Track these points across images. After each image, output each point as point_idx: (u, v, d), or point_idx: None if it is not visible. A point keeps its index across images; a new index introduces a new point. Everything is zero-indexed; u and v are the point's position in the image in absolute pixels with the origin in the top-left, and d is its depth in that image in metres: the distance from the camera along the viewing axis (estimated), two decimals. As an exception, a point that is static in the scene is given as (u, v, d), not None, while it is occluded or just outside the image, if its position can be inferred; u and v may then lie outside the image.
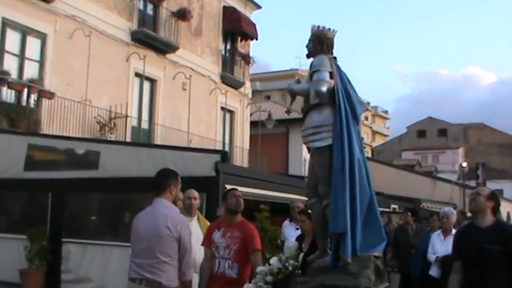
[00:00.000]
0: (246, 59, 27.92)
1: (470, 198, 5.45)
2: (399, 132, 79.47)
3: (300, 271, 5.24)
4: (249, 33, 27.31)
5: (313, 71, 5.01)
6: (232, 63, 27.11)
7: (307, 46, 5.29)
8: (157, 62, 21.75)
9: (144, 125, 21.36)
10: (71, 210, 13.05)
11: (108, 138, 17.44)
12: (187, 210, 6.82)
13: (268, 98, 51.99)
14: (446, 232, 9.16)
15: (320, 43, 5.17)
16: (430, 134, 74.65)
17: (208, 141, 23.37)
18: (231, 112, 27.42)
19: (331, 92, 4.97)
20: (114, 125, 18.64)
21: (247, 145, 28.22)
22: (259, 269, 5.31)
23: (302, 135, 5.21)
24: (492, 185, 51.89)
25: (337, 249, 4.91)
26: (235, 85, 27.10)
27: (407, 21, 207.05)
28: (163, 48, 21.80)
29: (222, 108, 26.37)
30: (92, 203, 13.40)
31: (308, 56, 5.29)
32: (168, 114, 22.33)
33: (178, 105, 23.03)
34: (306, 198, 12.09)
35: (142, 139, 20.47)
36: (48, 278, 12.40)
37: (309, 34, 5.27)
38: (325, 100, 4.97)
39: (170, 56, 22.40)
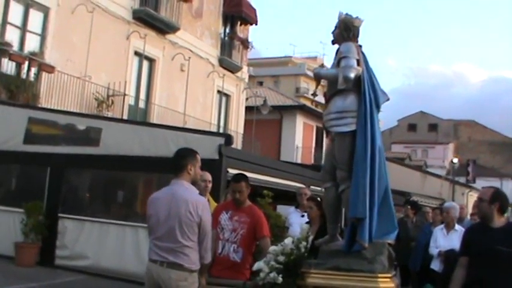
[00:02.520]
0: (245, 43, 27.86)
1: (474, 205, 5.53)
2: (388, 124, 79.67)
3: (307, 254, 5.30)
4: (248, 18, 27.25)
5: (341, 57, 5.07)
6: (230, 47, 27.00)
7: (333, 32, 5.36)
8: (157, 41, 21.66)
9: (141, 104, 21.32)
10: (69, 186, 12.97)
11: (106, 116, 17.40)
12: (201, 193, 6.79)
13: (260, 83, 51.86)
14: (449, 227, 9.21)
15: (347, 30, 5.24)
16: (421, 128, 74.91)
17: (203, 123, 23.31)
18: (227, 96, 27.40)
19: (357, 79, 5.02)
20: (112, 102, 18.59)
21: (241, 130, 28.22)
22: (272, 248, 5.36)
23: (325, 119, 5.26)
24: (481, 183, 52.11)
25: (352, 234, 4.98)
26: (233, 69, 27.05)
27: (399, 14, 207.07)
28: (163, 28, 21.70)
29: (219, 91, 26.35)
30: (91, 180, 13.34)
31: (333, 42, 5.38)
32: (165, 95, 22.29)
33: (175, 86, 22.98)
34: (300, 185, 12.13)
35: (139, 118, 20.44)
36: (43, 252, 12.28)
37: (336, 20, 5.35)
38: (351, 86, 5.03)
39: (170, 36, 22.31)
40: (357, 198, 4.86)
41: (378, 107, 5.19)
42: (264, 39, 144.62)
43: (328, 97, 5.27)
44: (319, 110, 43.37)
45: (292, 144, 33.52)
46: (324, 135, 5.70)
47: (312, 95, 5.61)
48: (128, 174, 12.35)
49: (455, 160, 41.61)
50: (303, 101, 42.56)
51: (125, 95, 19.31)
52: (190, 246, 4.89)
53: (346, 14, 5.34)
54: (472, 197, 42.46)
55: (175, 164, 5.12)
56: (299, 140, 34.36)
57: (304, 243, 5.25)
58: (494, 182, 55.83)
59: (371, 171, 4.93)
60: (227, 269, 5.92)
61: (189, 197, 4.94)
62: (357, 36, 5.31)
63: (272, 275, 5.02)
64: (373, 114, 5.05)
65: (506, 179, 62.36)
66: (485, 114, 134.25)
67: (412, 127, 74.23)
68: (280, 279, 4.98)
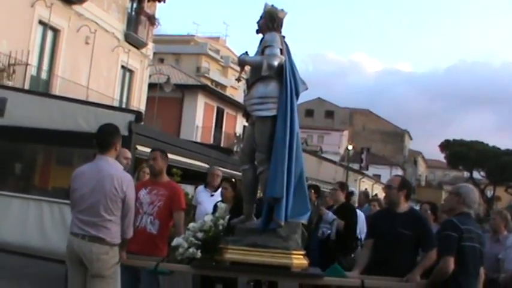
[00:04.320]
0: (152, 20, 27.64)
1: (384, 191, 6.01)
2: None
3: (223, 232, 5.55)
4: (156, -6, 27.10)
5: (266, 46, 5.34)
6: (137, 23, 26.69)
7: (258, 22, 5.59)
8: (63, 11, 21.11)
9: (44, 75, 20.78)
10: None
11: (7, 85, 16.84)
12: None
13: (162, 61, 51.44)
14: None
15: (272, 21, 5.50)
16: (318, 114, 76.69)
17: (106, 98, 22.99)
18: (131, 72, 27.13)
19: (279, 67, 5.30)
20: (14, 71, 18.03)
21: (143, 106, 28.00)
22: (191, 225, 5.57)
23: (247, 103, 5.50)
24: (372, 170, 54.54)
25: (269, 213, 5.27)
26: (138, 45, 26.82)
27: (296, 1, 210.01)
28: (70, -2, 21.17)
29: (123, 66, 26.08)
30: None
31: (258, 32, 5.63)
32: (68, 67, 21.82)
33: (79, 59, 22.52)
34: (207, 165, 12.34)
35: (41, 89, 19.91)
36: None
37: (262, 11, 5.57)
38: (273, 74, 5.30)
39: (76, 7, 21.80)
40: (275, 180, 5.14)
41: (297, 95, 5.48)
42: (168, 16, 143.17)
43: (251, 83, 5.51)
44: (221, 91, 43.77)
45: (192, 124, 33.67)
46: (243, 119, 5.94)
47: (236, 80, 5.83)
48: (34, 147, 12.09)
49: (350, 147, 43.11)
50: (203, 81, 42.74)
51: (27, 64, 18.76)
52: (112, 221, 5.00)
53: (272, 5, 5.59)
54: (364, 183, 44.28)
55: (103, 140, 5.17)
56: (199, 119, 34.55)
57: (222, 221, 5.49)
58: (385, 170, 58.44)
59: (289, 155, 5.22)
60: (144, 242, 5.97)
61: (114, 173, 5.05)
62: (281, 27, 5.58)
63: (191, 250, 5.23)
64: (293, 101, 5.35)
65: (396, 167, 65.39)
66: (379, 104, 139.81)
67: (309, 113, 75.66)
68: (199, 254, 5.20)
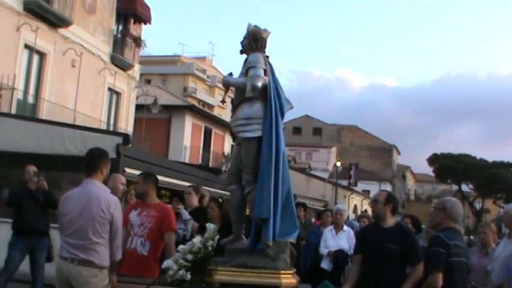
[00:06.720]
0: (138, 41, 27.68)
1: (370, 206, 6.11)
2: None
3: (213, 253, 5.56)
4: (142, 16, 27.16)
5: (250, 66, 5.38)
6: (123, 45, 26.73)
7: (241, 42, 5.64)
8: (48, 35, 21.07)
9: (30, 99, 20.73)
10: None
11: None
12: (117, 195, 6.84)
13: (148, 82, 51.48)
14: (338, 228, 9.76)
15: (255, 41, 5.55)
16: (306, 131, 76.81)
17: (93, 120, 22.98)
18: (118, 94, 27.09)
19: (263, 88, 5.35)
20: (0, 96, 18.01)
21: (131, 128, 27.96)
22: (181, 247, 5.57)
23: (232, 125, 5.54)
24: (361, 186, 54.60)
25: (257, 233, 5.30)
26: (125, 67, 26.80)
27: (278, 16, 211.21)
28: (56, 21, 21.12)
29: (110, 89, 26.02)
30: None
31: (242, 52, 5.67)
32: (55, 90, 21.74)
33: (66, 82, 22.46)
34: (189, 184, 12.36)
35: (28, 113, 19.84)
36: None
37: (245, 31, 5.62)
38: (257, 95, 5.34)
39: (62, 30, 21.76)
40: (262, 200, 5.17)
41: (282, 115, 5.52)
42: (154, 37, 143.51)
43: (236, 104, 5.55)
44: (208, 110, 43.85)
45: (180, 144, 33.64)
46: (231, 140, 5.99)
47: (221, 101, 5.85)
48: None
49: (339, 164, 43.12)
50: (191, 101, 42.80)
51: (13, 89, 18.72)
52: (101, 243, 5.03)
53: (255, 25, 5.64)
54: (353, 199, 44.32)
55: (90, 164, 5.22)
56: (187, 140, 34.54)
57: (211, 242, 5.50)
58: (374, 185, 58.46)
59: (275, 175, 5.25)
60: (135, 264, 6.00)
61: (101, 196, 5.09)
62: (265, 47, 5.63)
63: (181, 272, 5.23)
64: (278, 121, 5.39)
65: (385, 183, 65.54)
66: (366, 120, 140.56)
67: (297, 130, 75.68)
68: (188, 276, 5.21)
